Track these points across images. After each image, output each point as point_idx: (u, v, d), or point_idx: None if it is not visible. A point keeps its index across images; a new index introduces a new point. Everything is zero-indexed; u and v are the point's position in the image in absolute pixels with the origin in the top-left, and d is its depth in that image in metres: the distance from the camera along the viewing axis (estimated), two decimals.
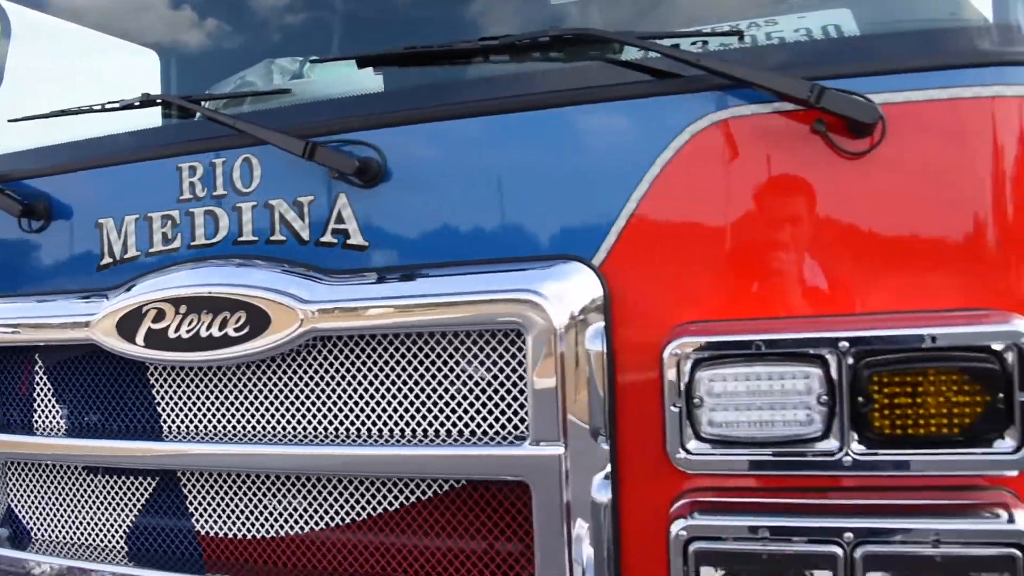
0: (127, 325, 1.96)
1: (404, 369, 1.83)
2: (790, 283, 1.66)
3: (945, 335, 1.48)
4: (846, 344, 1.52)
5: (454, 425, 1.80)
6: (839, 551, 1.51)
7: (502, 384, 1.77)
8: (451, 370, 1.81)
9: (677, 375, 1.60)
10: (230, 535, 2.02)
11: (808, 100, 1.56)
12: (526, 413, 1.73)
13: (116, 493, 2.16)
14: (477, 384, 1.79)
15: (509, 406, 1.76)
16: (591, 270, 1.73)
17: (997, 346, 1.46)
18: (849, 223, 1.63)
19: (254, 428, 1.94)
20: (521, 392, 1.74)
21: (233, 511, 2.01)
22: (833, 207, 1.64)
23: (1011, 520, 1.47)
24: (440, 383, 1.81)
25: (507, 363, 1.76)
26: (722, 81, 1.65)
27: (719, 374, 1.59)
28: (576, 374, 1.70)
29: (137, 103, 2.08)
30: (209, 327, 1.87)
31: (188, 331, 1.89)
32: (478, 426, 1.79)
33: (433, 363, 1.81)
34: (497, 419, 1.77)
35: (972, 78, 1.59)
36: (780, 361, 1.57)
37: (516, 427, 1.76)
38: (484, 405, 1.78)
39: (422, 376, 1.82)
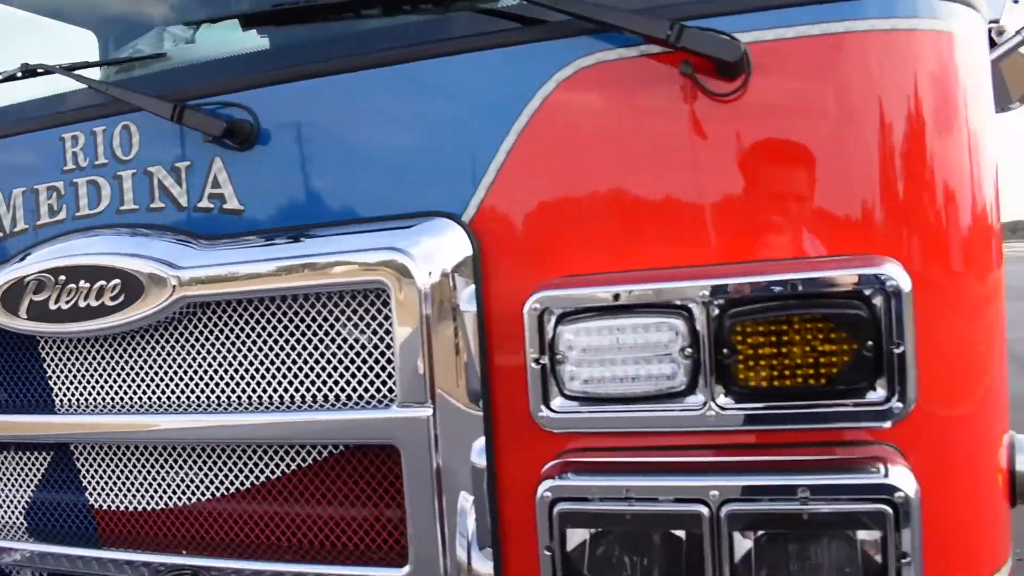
0: (11, 298, 1.90)
1: (280, 334, 1.75)
2: (659, 233, 1.56)
3: (807, 280, 1.37)
4: (706, 293, 1.42)
5: (331, 390, 1.72)
6: (705, 510, 1.41)
7: (376, 347, 1.68)
8: (326, 334, 1.72)
9: (538, 330, 1.51)
10: (122, 508, 1.96)
11: (668, 40, 1.46)
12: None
13: (14, 468, 2.11)
14: (352, 347, 1.71)
15: (383, 369, 1.68)
16: (460, 227, 1.64)
17: (865, 291, 1.35)
18: (719, 169, 1.52)
19: (140, 398, 1.88)
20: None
21: (122, 484, 1.95)
22: (703, 152, 1.54)
23: (885, 475, 1.37)
24: (315, 347, 1.73)
25: (380, 325, 1.68)
26: (587, 26, 1.55)
27: (580, 328, 1.49)
28: (444, 334, 1.61)
29: (19, 74, 2.02)
30: (87, 297, 1.81)
31: (68, 302, 1.83)
32: (354, 390, 1.71)
33: (308, 327, 1.73)
34: (372, 382, 1.69)
35: (843, 12, 1.47)
36: (641, 313, 1.47)
37: (391, 390, 1.67)
38: (359, 369, 1.70)
39: (298, 341, 1.74)
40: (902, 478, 1.36)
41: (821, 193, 1.49)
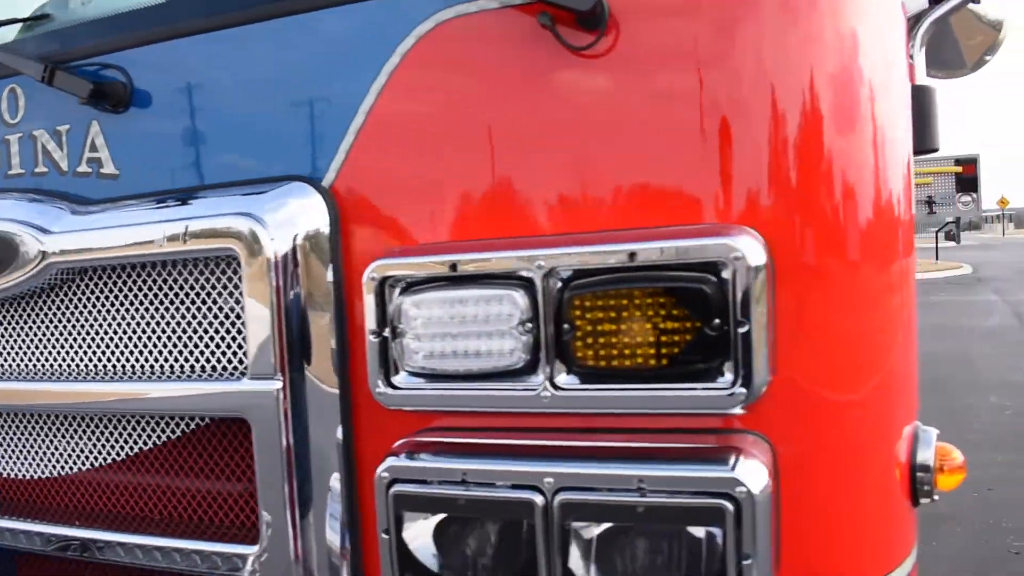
0: None
1: (145, 303, 1.68)
2: (517, 198, 1.42)
3: (646, 250, 1.22)
4: (543, 263, 1.28)
5: (196, 360, 1.64)
6: (539, 498, 1.28)
7: (228, 316, 1.59)
8: (182, 302, 1.64)
9: (377, 302, 1.39)
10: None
11: None
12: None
13: None
14: (215, 317, 1.62)
15: (234, 339, 1.59)
16: (317, 191, 1.53)
17: (709, 264, 1.20)
18: (575, 129, 1.37)
19: (14, 367, 1.83)
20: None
21: None
22: (561, 111, 1.39)
23: (731, 468, 1.21)
24: (177, 316, 1.65)
25: (231, 294, 1.58)
26: None
27: (420, 300, 1.37)
28: (296, 305, 1.51)
29: None
30: None
31: None
32: (218, 361, 1.62)
33: (167, 295, 1.65)
34: (224, 353, 1.60)
35: None
36: (481, 284, 1.34)
37: (242, 361, 1.58)
38: (217, 339, 1.61)
39: (157, 309, 1.66)
40: (749, 472, 1.21)
41: (683, 158, 1.32)
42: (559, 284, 1.28)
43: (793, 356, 1.31)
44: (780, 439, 1.33)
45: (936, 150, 1.98)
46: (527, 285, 1.30)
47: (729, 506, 1.18)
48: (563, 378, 1.29)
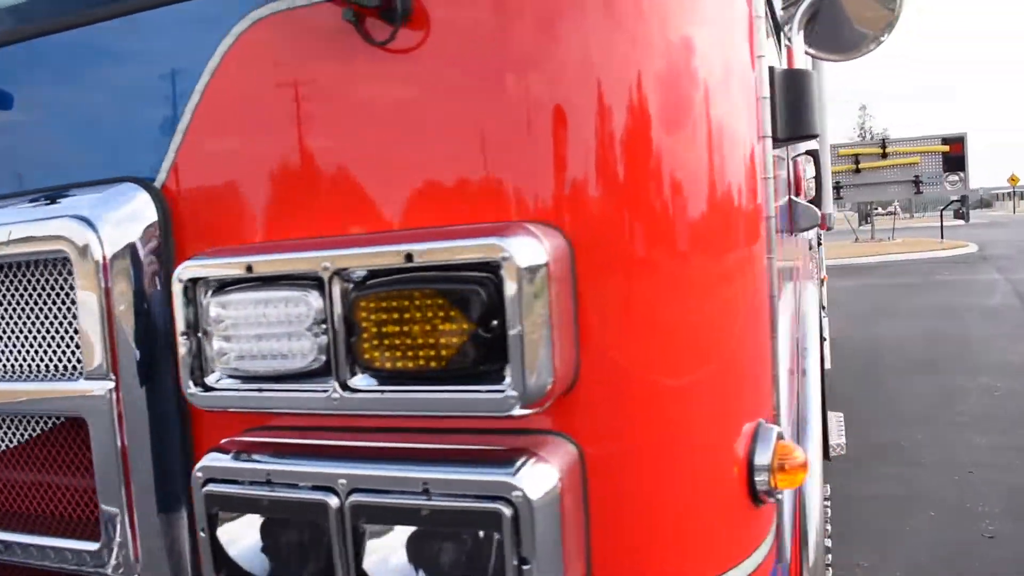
0: None
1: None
2: (330, 198, 1.39)
3: (421, 251, 1.18)
4: (328, 265, 1.24)
5: (42, 361, 1.63)
6: (334, 500, 1.26)
7: (65, 317, 1.58)
8: (27, 303, 1.63)
9: (184, 303, 1.37)
10: None
11: None
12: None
13: None
14: (56, 318, 1.61)
15: (72, 340, 1.58)
16: (149, 192, 1.50)
17: (481, 264, 1.16)
18: (383, 125, 1.34)
19: None
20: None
21: None
22: (368, 107, 1.35)
23: (513, 472, 1.18)
24: (20, 317, 1.64)
25: (67, 295, 1.57)
26: None
27: (226, 301, 1.35)
28: (126, 306, 1.49)
29: None
30: None
31: None
32: (59, 361, 1.61)
33: (15, 296, 1.64)
34: (64, 354, 1.59)
35: None
36: (279, 286, 1.31)
37: (80, 362, 1.57)
38: (63, 339, 1.60)
39: (6, 310, 1.65)
40: (532, 476, 1.17)
41: (486, 155, 1.28)
42: (348, 286, 1.25)
43: (603, 355, 1.27)
44: (588, 440, 1.30)
45: (815, 136, 1.91)
46: (320, 286, 1.27)
47: (506, 510, 1.15)
48: (353, 380, 1.26)
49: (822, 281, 9.09)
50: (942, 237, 30.28)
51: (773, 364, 1.64)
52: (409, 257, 1.18)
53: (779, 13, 2.20)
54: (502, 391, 1.16)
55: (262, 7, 1.41)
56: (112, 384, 1.49)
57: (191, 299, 1.37)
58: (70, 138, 1.61)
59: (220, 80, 1.45)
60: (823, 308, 8.91)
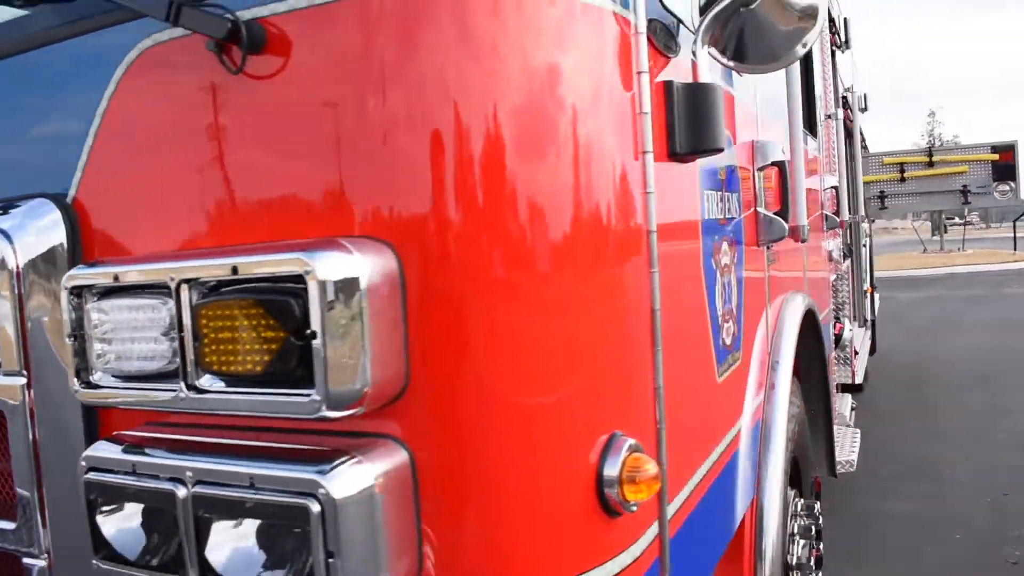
0: None
1: None
2: (202, 216, 1.49)
3: (244, 264, 1.27)
4: (174, 276, 1.34)
5: None
6: (182, 490, 1.35)
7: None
8: None
9: (70, 308, 1.49)
10: None
11: (169, 18, 1.37)
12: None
13: None
14: None
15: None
16: (60, 207, 1.64)
17: (289, 277, 1.24)
18: (246, 145, 1.44)
19: None
20: None
21: None
22: (234, 129, 1.46)
23: (325, 471, 1.23)
24: None
25: None
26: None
27: (101, 306, 1.47)
28: (37, 310, 1.63)
29: None
30: None
31: None
32: None
33: None
34: None
35: None
36: (146, 294, 1.42)
37: None
38: None
39: None
40: (339, 476, 1.23)
41: (326, 173, 1.36)
42: (194, 295, 1.34)
43: (436, 366, 1.32)
44: (420, 445, 1.34)
45: (720, 150, 1.89)
46: (171, 295, 1.37)
47: (314, 506, 1.21)
48: (199, 381, 1.35)
49: (866, 292, 8.74)
50: (1015, 248, 28.54)
51: (656, 376, 1.63)
52: (235, 270, 1.27)
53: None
54: (309, 395, 1.22)
55: (148, 37, 1.53)
56: (24, 380, 1.64)
57: (76, 305, 1.49)
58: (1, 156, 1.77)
59: (116, 104, 1.58)
60: (867, 321, 8.56)
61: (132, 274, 1.40)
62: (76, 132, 1.63)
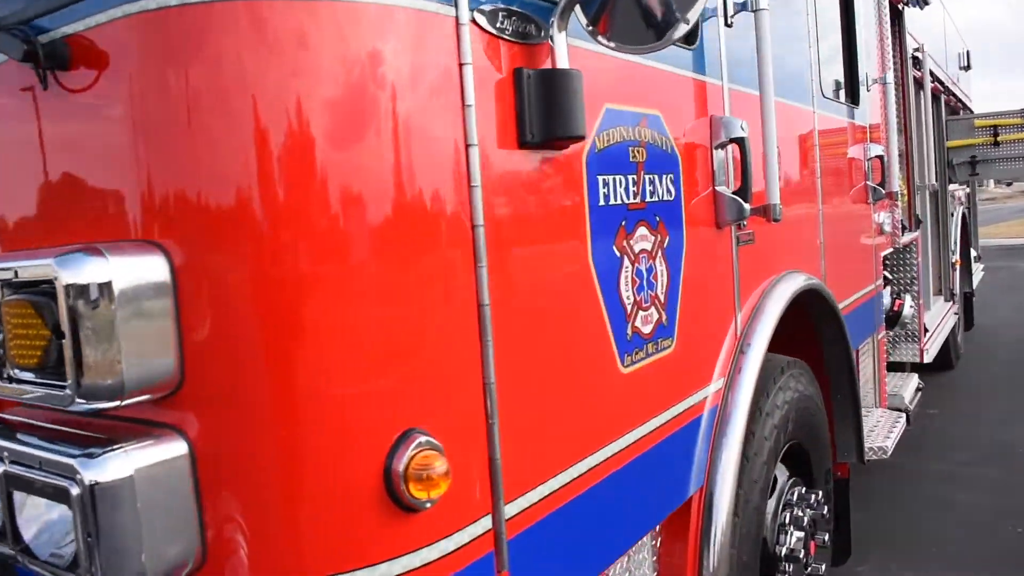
0: None
1: None
2: (34, 220, 1.60)
3: (23, 268, 1.36)
4: None
5: None
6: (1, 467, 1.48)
7: None
8: None
9: None
10: None
11: None
12: None
13: None
14: None
15: None
16: None
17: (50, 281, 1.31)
18: (48, 161, 1.52)
19: None
20: None
21: None
22: (58, 141, 1.55)
23: (98, 455, 1.31)
24: None
25: None
26: None
27: None
28: None
29: None
30: None
31: None
32: None
33: None
34: None
35: None
36: None
37: None
38: None
39: None
40: (99, 462, 1.31)
41: (117, 181, 1.42)
42: (5, 293, 1.45)
43: (213, 361, 1.35)
44: (198, 435, 1.39)
45: (581, 137, 1.79)
46: None
47: (74, 489, 1.29)
48: (13, 371, 1.46)
49: (953, 266, 7.89)
50: None
51: (486, 372, 1.57)
52: (16, 273, 1.36)
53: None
54: (64, 388, 1.30)
55: None
56: None
57: None
58: None
59: None
60: (953, 295, 7.66)
61: None
62: None
